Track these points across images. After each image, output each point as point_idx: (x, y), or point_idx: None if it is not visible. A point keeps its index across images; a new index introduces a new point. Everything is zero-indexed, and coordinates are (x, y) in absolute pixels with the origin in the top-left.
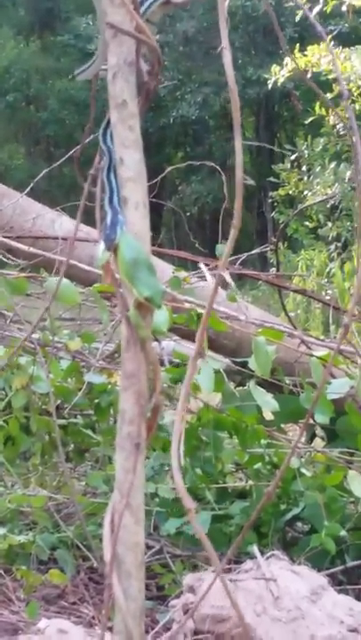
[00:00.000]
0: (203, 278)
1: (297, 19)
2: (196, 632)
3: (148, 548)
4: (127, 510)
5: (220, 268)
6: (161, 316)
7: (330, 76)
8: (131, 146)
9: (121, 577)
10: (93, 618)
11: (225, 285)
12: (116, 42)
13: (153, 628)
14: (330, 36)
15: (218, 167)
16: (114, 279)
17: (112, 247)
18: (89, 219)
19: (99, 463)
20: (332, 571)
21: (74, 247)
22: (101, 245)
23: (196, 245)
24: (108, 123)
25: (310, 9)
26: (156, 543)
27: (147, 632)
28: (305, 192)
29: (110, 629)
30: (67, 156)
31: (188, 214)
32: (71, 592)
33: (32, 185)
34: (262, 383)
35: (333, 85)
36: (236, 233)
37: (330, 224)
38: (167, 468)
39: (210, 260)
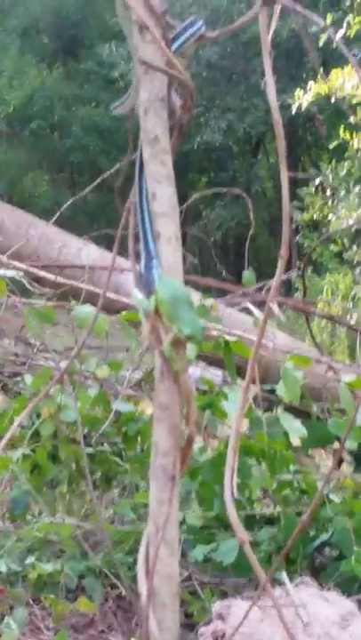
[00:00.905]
0: (229, 305)
1: (320, 43)
2: None
3: None
4: (162, 542)
5: (270, 300)
6: (189, 344)
7: (353, 101)
8: (163, 181)
9: (155, 608)
10: None
11: (249, 312)
12: (147, 77)
13: None
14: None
15: (243, 192)
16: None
17: (150, 292)
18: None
19: (126, 491)
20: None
21: (100, 275)
22: (138, 293)
23: (223, 274)
24: (142, 158)
25: (335, 33)
26: (184, 570)
27: None
28: (329, 216)
29: None
30: (93, 185)
31: (212, 240)
32: (100, 620)
33: (59, 213)
34: (290, 409)
35: (358, 109)
36: (284, 263)
37: (355, 247)
38: (194, 495)
39: (236, 286)
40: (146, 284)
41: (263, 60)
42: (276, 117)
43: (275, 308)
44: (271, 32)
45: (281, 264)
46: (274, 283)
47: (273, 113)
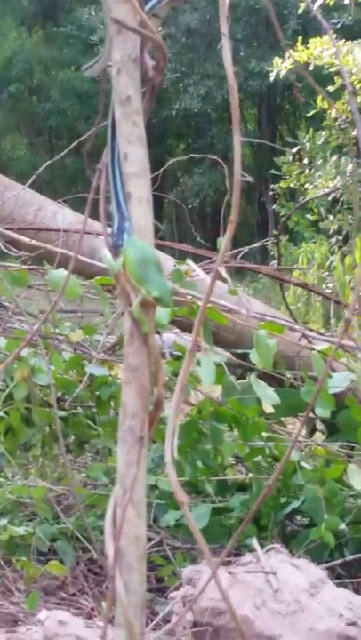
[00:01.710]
0: (205, 271)
1: (300, 11)
2: (195, 624)
3: (148, 540)
4: (129, 504)
5: (217, 264)
6: (162, 309)
7: (332, 69)
8: (135, 142)
9: (122, 570)
10: (93, 609)
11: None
12: (120, 38)
13: (152, 620)
14: (332, 30)
15: (220, 160)
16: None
17: (119, 254)
18: (93, 210)
19: (99, 455)
20: (331, 564)
21: (76, 239)
22: (108, 253)
23: (198, 239)
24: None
25: (313, 1)
26: (155, 535)
27: (146, 624)
28: (306, 185)
29: (111, 621)
30: (69, 148)
31: (189, 207)
32: (71, 583)
33: (34, 176)
34: (263, 376)
35: (335, 78)
36: (233, 228)
37: (331, 217)
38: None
39: (211, 252)
40: (116, 246)
41: (220, 24)
42: (232, 83)
43: (223, 271)
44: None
45: (230, 228)
46: (222, 246)
47: (228, 80)
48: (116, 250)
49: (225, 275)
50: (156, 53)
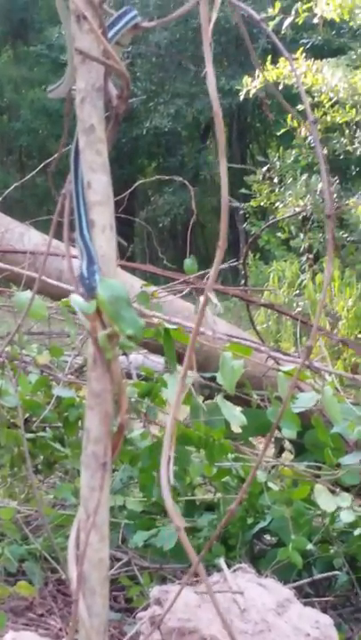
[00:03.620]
0: (171, 292)
1: (269, 29)
2: None
3: (117, 560)
4: (92, 528)
5: (208, 288)
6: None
7: (302, 87)
8: (98, 170)
9: (85, 594)
10: (61, 630)
11: (192, 299)
12: (84, 67)
13: None
14: (301, 49)
15: (190, 179)
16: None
17: (94, 296)
18: (59, 231)
19: (68, 475)
20: (299, 583)
21: (42, 261)
22: (77, 297)
23: (165, 262)
24: (78, 147)
25: (282, 21)
26: (124, 555)
27: None
28: (277, 204)
29: None
30: (39, 167)
31: (160, 225)
32: (39, 604)
33: (3, 195)
34: (230, 397)
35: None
36: (222, 254)
37: (302, 235)
38: (135, 481)
39: (179, 274)
40: (90, 288)
41: (204, 51)
42: (216, 109)
43: (212, 297)
44: (212, 24)
45: (219, 254)
46: (212, 272)
47: (213, 104)
48: (90, 292)
49: (215, 300)
50: (120, 82)
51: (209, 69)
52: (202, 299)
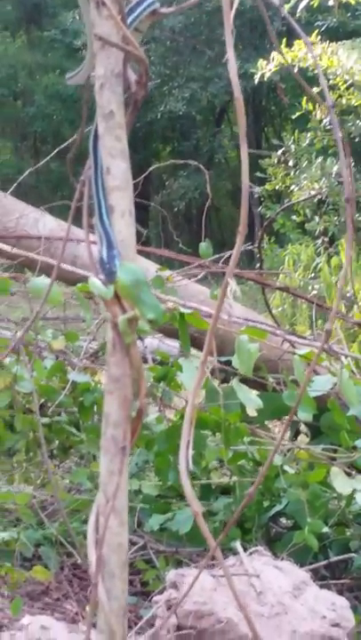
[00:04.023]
0: (186, 276)
1: (284, 13)
2: (178, 627)
3: (132, 544)
4: (112, 512)
5: (228, 274)
6: None
7: (316, 71)
8: (117, 155)
9: (105, 577)
10: (77, 614)
11: (208, 283)
12: (103, 53)
13: (137, 624)
14: (316, 32)
15: (205, 163)
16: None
17: (113, 281)
18: (76, 217)
19: (83, 460)
20: (314, 566)
21: (57, 247)
22: (96, 280)
23: (182, 243)
24: (97, 132)
25: (297, 3)
26: (139, 539)
27: (130, 627)
28: (292, 187)
29: (94, 627)
30: (54, 153)
31: (175, 209)
32: (55, 588)
33: (18, 181)
34: (246, 381)
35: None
36: (242, 239)
37: (317, 218)
38: (151, 465)
39: (194, 258)
40: (110, 273)
41: (226, 37)
42: (238, 94)
43: (232, 282)
44: (234, 9)
45: (239, 239)
46: (232, 257)
47: (234, 89)
48: (110, 277)
49: (234, 285)
50: (139, 68)
51: (231, 56)
52: (222, 284)
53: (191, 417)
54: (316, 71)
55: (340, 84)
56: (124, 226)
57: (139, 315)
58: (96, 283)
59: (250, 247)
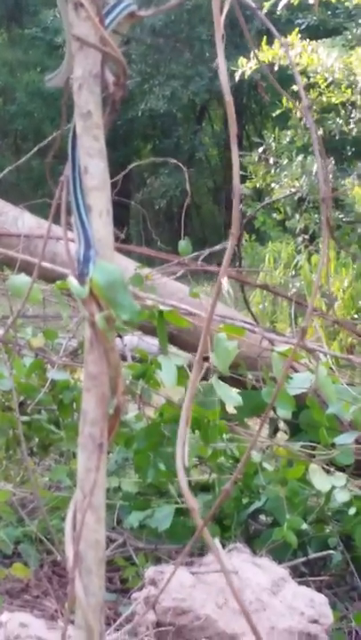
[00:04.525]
0: (165, 274)
1: (264, 11)
2: (157, 624)
3: (112, 541)
4: (89, 509)
5: (221, 275)
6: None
7: (297, 69)
8: (95, 155)
9: (82, 573)
10: (56, 611)
11: (188, 281)
12: (81, 54)
13: (115, 620)
14: (296, 30)
15: (185, 161)
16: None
17: (85, 282)
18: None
19: (63, 458)
20: (293, 563)
21: (37, 244)
22: (73, 280)
23: (159, 244)
24: (75, 132)
25: (277, 1)
26: (119, 536)
27: (109, 624)
28: (272, 185)
29: (72, 623)
30: (34, 150)
31: (156, 207)
32: (34, 585)
33: None
34: (225, 378)
35: (302, 76)
36: (234, 242)
37: (297, 216)
38: (130, 463)
39: (173, 256)
40: (82, 274)
41: (216, 42)
42: (228, 98)
43: (225, 282)
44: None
45: (232, 240)
46: (225, 258)
47: (225, 93)
48: (82, 278)
49: (226, 285)
50: (117, 69)
51: (221, 61)
52: (216, 284)
53: (187, 416)
54: (296, 69)
55: (320, 81)
56: (101, 225)
57: (115, 316)
58: (73, 282)
59: (228, 244)
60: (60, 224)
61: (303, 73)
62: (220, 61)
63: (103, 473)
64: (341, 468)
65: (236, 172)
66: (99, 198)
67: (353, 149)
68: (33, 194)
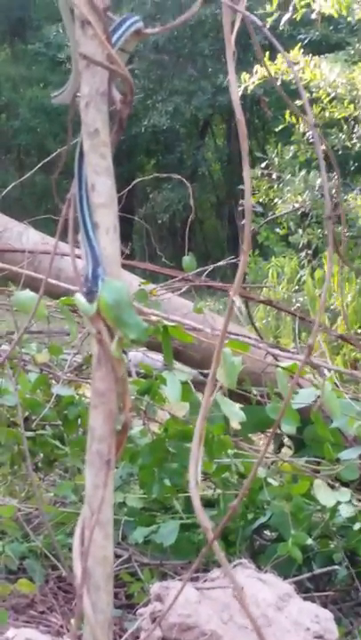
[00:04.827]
0: (169, 290)
1: (267, 26)
2: None
3: (117, 556)
4: (97, 526)
5: (233, 293)
6: None
7: (300, 84)
8: (102, 173)
9: (90, 590)
10: (62, 627)
11: (192, 296)
12: (88, 72)
13: (121, 637)
14: (299, 45)
15: (188, 176)
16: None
17: (94, 300)
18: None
19: (67, 473)
20: (298, 578)
21: (41, 260)
22: (81, 297)
23: (163, 259)
24: (82, 150)
25: (280, 17)
26: (124, 552)
27: None
28: (275, 200)
29: (79, 639)
30: (38, 166)
31: (159, 222)
32: (40, 601)
33: (2, 194)
34: (229, 394)
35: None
36: (246, 258)
37: (300, 231)
38: (135, 478)
39: (177, 272)
40: (91, 292)
41: (227, 59)
42: (240, 116)
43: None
44: (235, 33)
45: (244, 259)
46: (238, 276)
47: (236, 111)
48: (91, 296)
49: (238, 303)
50: (124, 87)
51: (232, 79)
52: (228, 302)
53: (201, 433)
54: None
55: (323, 97)
56: (108, 242)
57: (123, 336)
58: (81, 299)
59: (234, 260)
60: (64, 240)
61: (306, 88)
62: (232, 79)
63: (110, 489)
64: (346, 484)
65: (248, 189)
66: (106, 215)
67: (356, 164)
68: (36, 209)
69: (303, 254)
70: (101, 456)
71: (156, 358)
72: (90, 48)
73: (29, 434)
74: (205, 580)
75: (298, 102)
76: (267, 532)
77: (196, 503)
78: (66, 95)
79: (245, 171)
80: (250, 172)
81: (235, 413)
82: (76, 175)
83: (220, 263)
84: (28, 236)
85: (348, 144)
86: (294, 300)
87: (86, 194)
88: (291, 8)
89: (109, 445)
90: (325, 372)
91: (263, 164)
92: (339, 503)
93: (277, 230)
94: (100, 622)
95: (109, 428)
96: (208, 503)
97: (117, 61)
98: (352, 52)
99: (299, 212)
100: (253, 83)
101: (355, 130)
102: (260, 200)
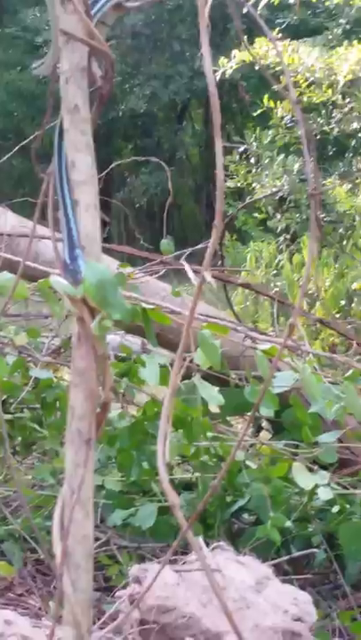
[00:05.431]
0: (147, 273)
1: (244, 11)
2: (141, 622)
3: (96, 539)
4: (77, 504)
5: (204, 268)
6: None
7: (277, 68)
8: (83, 149)
9: (70, 569)
10: (40, 609)
11: (170, 279)
12: (68, 48)
13: (100, 619)
14: (277, 29)
15: (166, 160)
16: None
17: (78, 282)
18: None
19: (46, 456)
20: (277, 561)
21: (19, 243)
22: (62, 280)
23: (144, 240)
24: (62, 127)
25: (258, 1)
26: (102, 535)
27: (93, 623)
28: (254, 184)
29: (59, 620)
30: (16, 149)
31: (137, 206)
32: (19, 584)
33: None
34: (207, 377)
35: (281, 77)
36: (218, 234)
37: (279, 216)
38: (113, 461)
39: (155, 254)
40: (72, 273)
41: (201, 40)
42: (213, 90)
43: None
44: (207, 10)
45: (215, 233)
46: (208, 252)
47: (209, 85)
48: (74, 278)
49: (210, 280)
50: (104, 63)
51: (206, 52)
52: (198, 280)
53: (168, 412)
54: (277, 68)
55: (301, 81)
56: (89, 219)
57: (105, 315)
58: (60, 281)
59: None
60: (43, 222)
61: (284, 73)
62: (205, 52)
63: (91, 468)
64: (324, 467)
65: (220, 166)
66: (86, 193)
67: (334, 149)
68: (14, 192)
69: (281, 239)
70: (81, 435)
71: (133, 341)
72: (70, 23)
73: (7, 417)
74: (184, 563)
75: (275, 87)
76: (245, 515)
77: (165, 481)
78: (46, 67)
79: (217, 145)
80: (225, 155)
81: (213, 397)
82: (56, 153)
83: (199, 247)
84: (5, 219)
85: (326, 129)
86: (273, 285)
87: (66, 171)
88: None
89: (90, 424)
90: (305, 354)
91: (241, 149)
92: (317, 486)
93: (256, 215)
94: (81, 601)
95: (90, 406)
96: (187, 486)
97: (98, 37)
98: (330, 36)
99: (277, 197)
100: (231, 67)
101: (333, 114)
102: (239, 184)
